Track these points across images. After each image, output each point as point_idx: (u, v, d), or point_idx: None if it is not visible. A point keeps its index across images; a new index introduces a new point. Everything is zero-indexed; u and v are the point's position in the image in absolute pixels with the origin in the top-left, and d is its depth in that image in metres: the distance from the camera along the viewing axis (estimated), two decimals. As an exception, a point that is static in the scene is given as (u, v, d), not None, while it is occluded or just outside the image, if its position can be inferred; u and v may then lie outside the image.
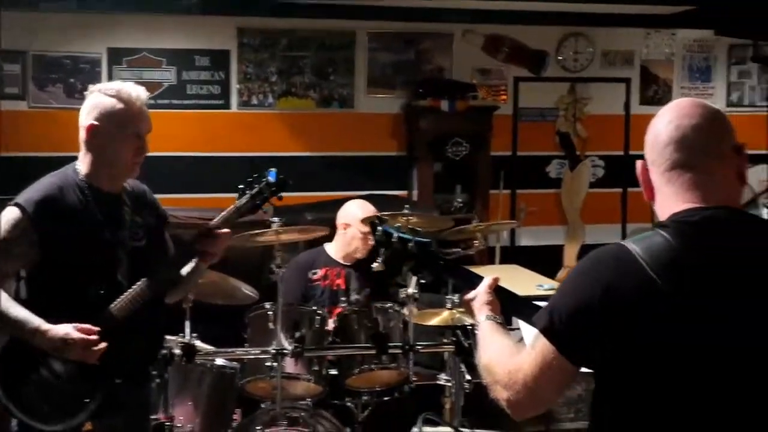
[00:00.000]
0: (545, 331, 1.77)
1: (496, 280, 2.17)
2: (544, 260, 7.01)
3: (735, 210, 1.79)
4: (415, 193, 7.42)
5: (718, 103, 8.16)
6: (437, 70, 7.57)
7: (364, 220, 4.24)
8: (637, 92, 7.97)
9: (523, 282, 5.61)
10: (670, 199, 1.81)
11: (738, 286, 1.68)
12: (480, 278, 2.18)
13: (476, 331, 2.10)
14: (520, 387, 1.80)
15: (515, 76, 7.75)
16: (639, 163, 1.88)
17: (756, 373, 1.67)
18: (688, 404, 1.68)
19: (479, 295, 2.13)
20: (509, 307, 2.16)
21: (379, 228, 2.28)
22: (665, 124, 1.81)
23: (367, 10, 6.98)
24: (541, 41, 7.75)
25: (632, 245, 1.73)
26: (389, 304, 4.02)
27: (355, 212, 4.59)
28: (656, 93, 8.02)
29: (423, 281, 3.76)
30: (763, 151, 7.59)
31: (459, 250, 4.55)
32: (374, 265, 2.34)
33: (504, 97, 7.75)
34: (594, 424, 1.83)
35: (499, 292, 2.15)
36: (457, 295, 3.78)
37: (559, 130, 7.90)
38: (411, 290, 3.76)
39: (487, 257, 7.29)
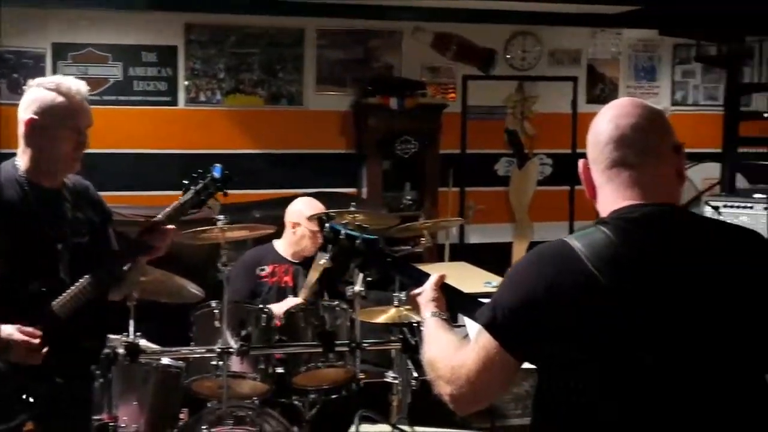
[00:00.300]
0: (488, 327, 1.78)
1: (442, 277, 2.17)
2: (492, 257, 7.04)
3: (675, 207, 1.82)
4: (364, 190, 7.42)
5: (663, 101, 8.29)
6: (386, 68, 7.58)
7: (311, 218, 4.23)
8: (584, 91, 8.06)
9: (472, 279, 5.64)
10: (610, 196, 1.82)
11: (677, 282, 1.70)
12: (426, 275, 2.19)
13: (422, 328, 2.10)
14: (462, 382, 1.80)
15: (464, 74, 7.79)
16: (581, 162, 1.90)
17: (695, 369, 1.69)
18: (629, 398, 1.69)
19: (425, 292, 2.14)
20: (455, 304, 2.17)
21: (327, 225, 2.27)
22: (605, 123, 1.83)
23: (315, 8, 6.96)
24: (490, 40, 7.79)
25: (574, 241, 1.74)
26: (336, 302, 4.01)
27: (303, 210, 4.58)
28: (603, 91, 8.11)
29: (369, 279, 3.76)
30: (707, 150, 7.71)
31: (409, 247, 4.56)
32: (321, 262, 2.33)
33: (453, 95, 7.78)
34: (536, 420, 1.84)
35: (445, 290, 2.16)
36: (404, 293, 3.78)
37: (508, 128, 7.95)
38: (358, 288, 3.75)
39: (437, 255, 7.31)
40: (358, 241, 2.23)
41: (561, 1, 6.90)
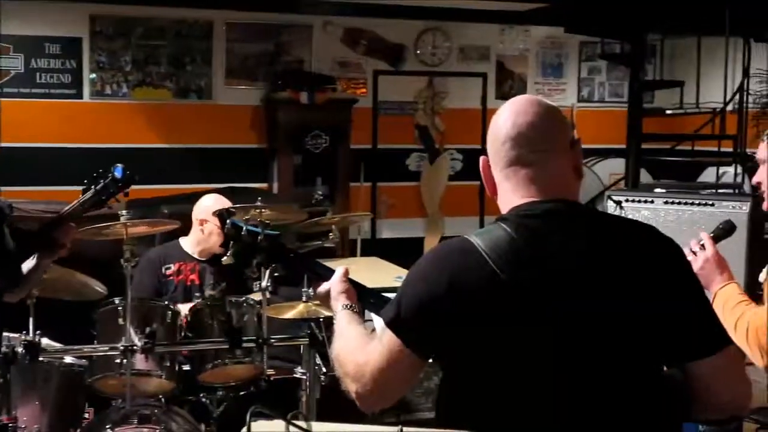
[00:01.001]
0: (391, 325, 1.78)
1: (347, 270, 2.16)
2: (404, 252, 7.04)
3: (573, 203, 1.83)
4: (275, 185, 7.39)
5: (570, 98, 8.45)
6: (297, 62, 7.55)
7: (215, 213, 4.18)
8: (494, 87, 8.16)
9: (384, 274, 5.66)
10: (510, 194, 1.84)
11: (576, 278, 1.72)
12: (331, 270, 2.17)
13: (334, 322, 2.08)
14: (367, 380, 1.80)
15: (375, 69, 7.82)
16: (482, 159, 1.90)
17: (594, 361, 1.72)
18: (531, 393, 1.71)
19: (334, 284, 2.12)
20: (361, 300, 2.16)
21: (228, 221, 2.24)
22: (503, 121, 1.84)
23: (224, 0, 6.89)
24: (400, 35, 7.83)
25: (475, 238, 1.75)
26: (243, 298, 3.97)
27: (211, 207, 4.52)
28: (511, 88, 8.23)
29: (276, 274, 3.73)
30: (613, 146, 7.89)
31: (319, 242, 4.54)
32: (224, 258, 2.30)
33: (363, 90, 7.79)
34: (440, 415, 1.84)
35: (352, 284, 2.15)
36: (311, 288, 3.77)
37: (418, 123, 8.01)
38: (265, 283, 3.72)
39: (349, 250, 7.32)
40: (260, 237, 2.20)
41: (470, -2, 6.98)
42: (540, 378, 1.70)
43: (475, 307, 1.70)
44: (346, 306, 2.05)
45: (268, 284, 3.72)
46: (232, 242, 2.23)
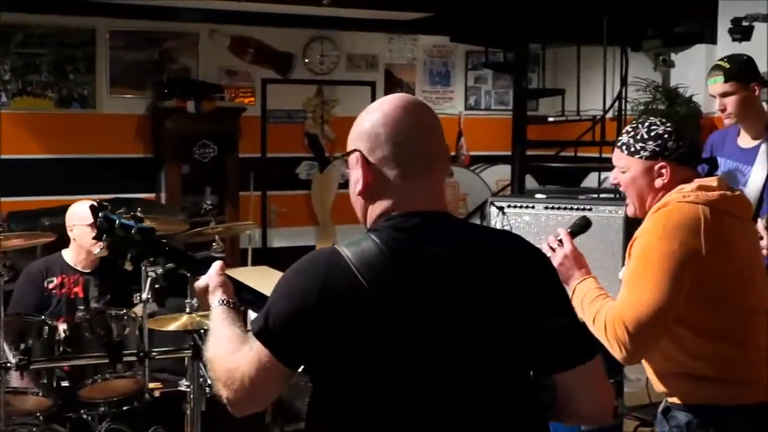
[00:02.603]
0: (260, 335, 1.76)
1: (224, 264, 2.13)
2: (296, 261, 7.05)
3: (445, 214, 1.82)
4: (163, 195, 7.28)
5: (458, 106, 8.59)
6: (183, 71, 7.46)
7: (92, 207, 4.08)
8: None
9: (274, 283, 5.62)
10: (382, 202, 1.81)
11: (445, 292, 1.72)
12: (208, 265, 2.13)
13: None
14: (237, 386, 1.78)
15: (263, 77, 7.79)
16: (354, 156, 1.82)
17: (461, 377, 1.73)
18: (398, 402, 1.72)
19: (211, 278, 2.08)
20: (242, 299, 2.13)
21: (101, 214, 2.20)
22: (392, 122, 1.79)
23: (106, 8, 6.76)
24: (288, 43, 7.82)
25: (344, 249, 1.74)
26: (124, 311, 3.90)
27: (78, 211, 4.41)
28: (400, 96, 8.28)
29: (158, 286, 3.68)
30: (500, 153, 8.04)
31: (207, 252, 4.50)
32: (96, 251, 2.25)
33: (252, 98, 7.75)
34: (310, 424, 1.84)
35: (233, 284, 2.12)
36: (195, 299, 3.72)
37: (308, 131, 8.01)
38: (145, 295, 3.66)
39: (239, 259, 7.26)
40: (133, 231, 2.17)
41: (357, 7, 7.01)
42: (405, 390, 1.71)
43: (342, 320, 1.69)
44: (223, 301, 2.02)
45: (149, 296, 3.67)
46: (105, 235, 2.19)
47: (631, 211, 2.65)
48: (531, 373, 1.82)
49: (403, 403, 1.71)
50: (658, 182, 2.54)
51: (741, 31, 5.62)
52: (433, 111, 1.87)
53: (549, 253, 2.64)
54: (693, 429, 2.50)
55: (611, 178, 2.71)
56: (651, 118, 2.65)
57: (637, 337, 2.38)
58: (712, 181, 2.53)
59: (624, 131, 2.66)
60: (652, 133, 2.56)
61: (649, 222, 2.49)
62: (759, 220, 3.51)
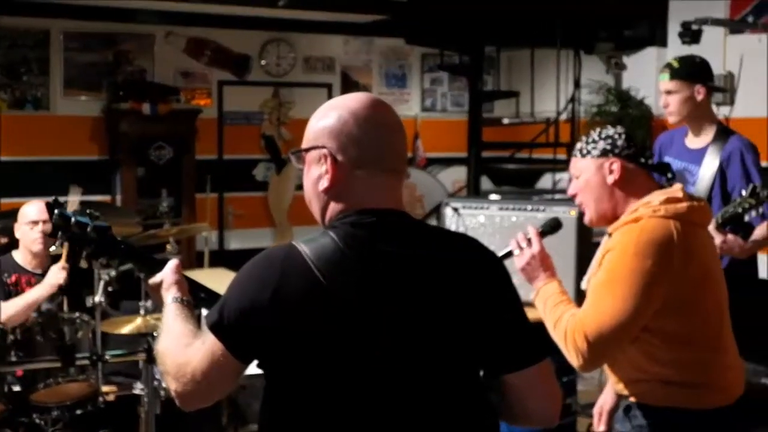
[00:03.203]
0: (214, 329, 1.76)
1: (179, 263, 2.12)
2: (253, 263, 7.03)
3: (401, 213, 1.83)
4: (118, 198, 7.23)
5: (414, 108, 8.62)
6: (139, 72, 7.41)
7: (47, 204, 4.04)
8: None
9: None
10: (344, 199, 1.81)
11: (401, 290, 1.74)
12: (163, 263, 2.13)
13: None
14: (188, 380, 1.78)
15: (219, 79, 7.77)
16: (323, 152, 1.81)
17: (414, 375, 1.75)
18: (347, 403, 1.73)
19: (166, 275, 2.07)
20: (192, 294, 2.13)
21: (56, 211, 2.18)
22: (357, 121, 1.79)
23: (61, 9, 6.70)
24: (244, 45, 7.81)
25: (302, 246, 1.74)
26: (77, 314, 3.88)
27: (23, 211, 4.38)
28: (356, 98, 8.30)
29: (111, 289, 3.66)
30: (456, 154, 8.08)
31: (166, 255, 4.48)
32: (52, 248, 2.24)
33: (208, 100, 7.72)
34: (263, 423, 1.85)
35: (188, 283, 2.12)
36: (150, 301, 3.71)
37: (264, 133, 8.00)
38: (98, 298, 3.64)
39: (195, 262, 7.23)
40: (89, 228, 2.16)
41: (313, 9, 7.02)
42: (358, 386, 1.73)
43: (298, 315, 1.70)
44: (177, 299, 2.01)
45: (102, 299, 3.65)
46: (60, 233, 2.17)
47: (587, 218, 2.66)
48: (481, 373, 1.85)
49: (356, 399, 1.73)
50: (610, 179, 2.57)
51: (690, 34, 5.72)
52: (395, 111, 1.88)
53: (516, 251, 2.68)
54: (656, 430, 2.51)
55: (569, 190, 2.70)
56: (607, 126, 2.70)
57: (596, 349, 2.40)
58: (677, 192, 2.54)
59: (579, 140, 2.70)
60: (603, 135, 2.61)
61: (623, 236, 2.49)
62: None
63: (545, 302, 2.58)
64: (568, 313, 2.49)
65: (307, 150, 1.84)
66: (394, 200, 1.82)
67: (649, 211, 2.48)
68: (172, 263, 2.10)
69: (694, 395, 2.50)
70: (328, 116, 1.82)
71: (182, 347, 1.83)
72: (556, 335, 2.48)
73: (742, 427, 2.62)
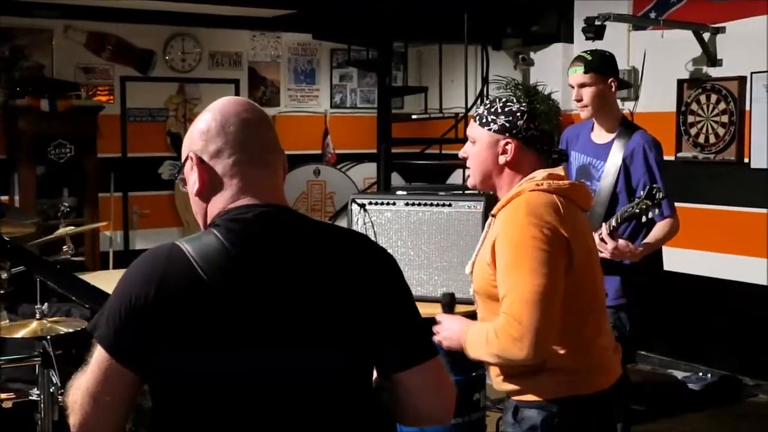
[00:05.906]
0: (100, 339, 1.69)
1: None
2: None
3: (285, 208, 1.81)
4: (17, 198, 6.99)
5: (323, 104, 8.57)
6: (37, 68, 7.18)
7: None
8: (246, 93, 8.12)
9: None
10: (222, 197, 1.79)
11: (285, 286, 1.70)
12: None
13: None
14: (79, 406, 1.69)
15: (122, 75, 7.58)
16: (192, 155, 1.81)
17: (300, 376, 1.70)
18: (232, 401, 1.67)
19: None
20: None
21: None
22: (216, 123, 1.79)
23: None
24: (148, 40, 7.64)
25: (185, 244, 1.71)
26: (-33, 319, 3.72)
27: None
28: (264, 94, 8.23)
29: (3, 291, 3.52)
30: (366, 150, 8.06)
31: (67, 257, 4.34)
32: None
33: (110, 96, 7.53)
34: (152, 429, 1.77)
35: None
36: (45, 305, 3.57)
37: (170, 130, 7.84)
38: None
39: (100, 263, 7.05)
40: None
41: (219, 3, 6.91)
42: (241, 387, 1.67)
43: (182, 316, 1.65)
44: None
45: (-8, 302, 3.51)
46: None
47: (470, 182, 2.66)
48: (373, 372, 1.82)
49: (239, 402, 1.67)
50: (501, 159, 2.55)
51: (593, 30, 5.80)
52: (262, 109, 1.88)
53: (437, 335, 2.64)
54: (550, 425, 2.48)
55: (461, 152, 2.69)
56: (512, 96, 2.68)
57: (532, 327, 2.34)
58: (560, 171, 2.57)
59: (482, 103, 2.68)
60: (506, 109, 2.57)
61: (510, 213, 2.48)
62: (603, 224, 3.60)
63: (474, 340, 2.51)
64: (492, 322, 2.44)
65: (182, 166, 1.85)
66: (273, 194, 1.80)
67: (531, 185, 2.49)
68: None
69: (581, 380, 2.50)
70: (193, 126, 1.84)
71: (75, 380, 1.74)
72: (490, 345, 2.42)
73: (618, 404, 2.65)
